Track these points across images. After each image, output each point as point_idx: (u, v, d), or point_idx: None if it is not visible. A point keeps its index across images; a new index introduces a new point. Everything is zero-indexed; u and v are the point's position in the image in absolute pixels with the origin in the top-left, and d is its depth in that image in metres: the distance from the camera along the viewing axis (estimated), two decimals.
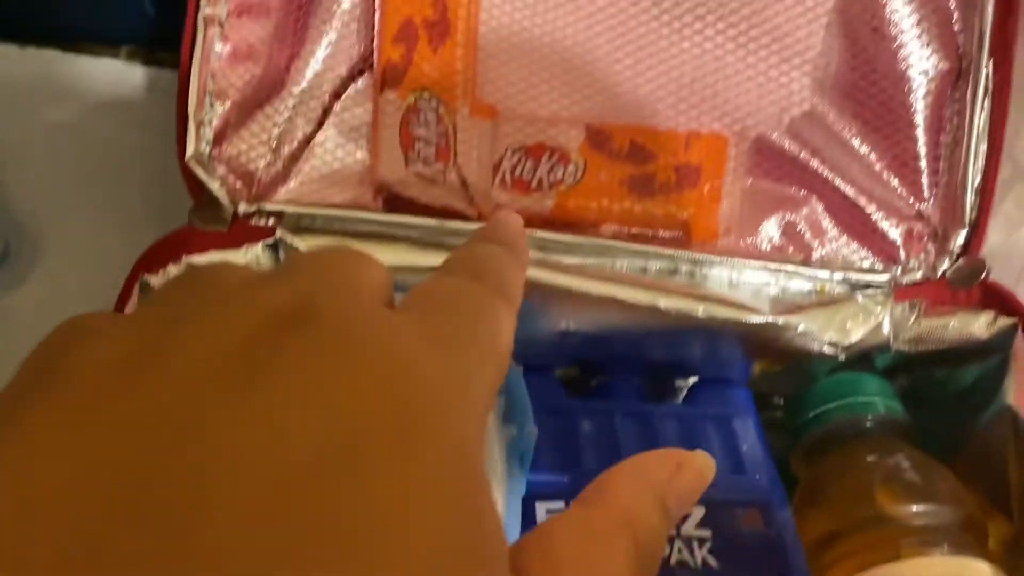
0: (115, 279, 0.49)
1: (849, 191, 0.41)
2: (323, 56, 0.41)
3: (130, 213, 0.53)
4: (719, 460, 0.39)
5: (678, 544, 0.35)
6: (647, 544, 0.20)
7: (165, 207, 0.45)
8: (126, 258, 0.43)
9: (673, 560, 0.34)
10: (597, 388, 0.43)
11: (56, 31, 0.61)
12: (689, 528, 0.36)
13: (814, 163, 0.41)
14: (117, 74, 0.61)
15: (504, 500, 0.32)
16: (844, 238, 0.42)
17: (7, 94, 0.57)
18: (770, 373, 0.43)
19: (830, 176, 0.41)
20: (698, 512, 0.36)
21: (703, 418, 0.41)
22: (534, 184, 0.41)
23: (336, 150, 0.42)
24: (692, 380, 0.44)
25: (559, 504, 0.36)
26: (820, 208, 0.42)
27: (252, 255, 0.40)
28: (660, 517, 0.20)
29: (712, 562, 0.34)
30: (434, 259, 0.40)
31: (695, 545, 0.35)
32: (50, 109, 0.59)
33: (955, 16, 0.40)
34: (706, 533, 0.35)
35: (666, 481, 0.21)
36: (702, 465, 0.22)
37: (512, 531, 0.31)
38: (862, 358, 0.42)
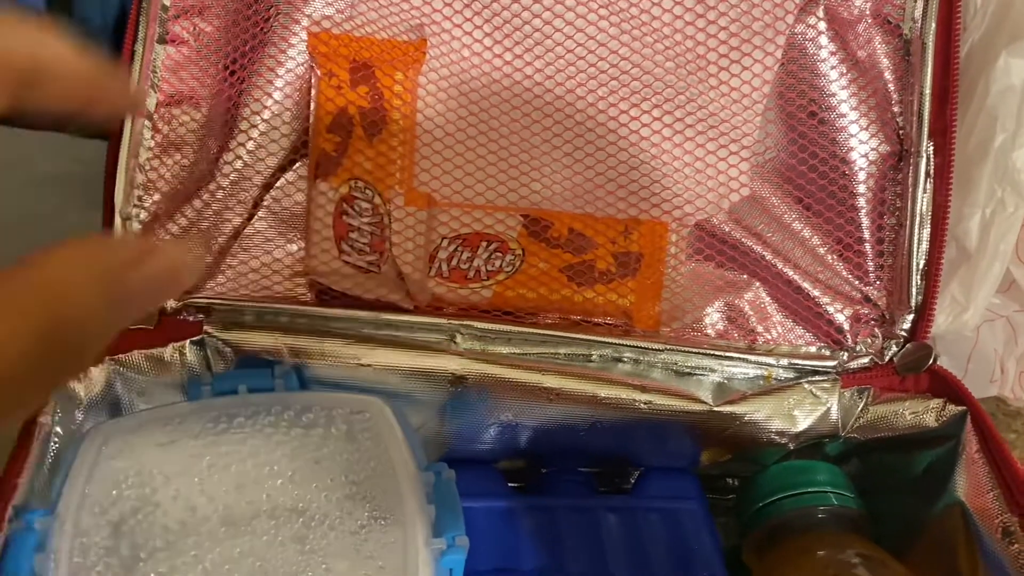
0: None
1: (793, 275, 0.41)
2: (254, 147, 0.40)
3: None
4: (666, 556, 0.38)
5: None
6: (69, 320, 0.19)
7: None
8: None
9: None
10: (543, 479, 0.42)
11: None
12: None
13: (757, 248, 0.41)
14: (62, 149, 0.60)
15: None
16: (789, 323, 0.41)
17: None
18: (719, 462, 0.42)
19: (774, 260, 0.41)
20: None
21: (649, 511, 0.39)
22: (471, 274, 0.40)
23: (267, 242, 0.41)
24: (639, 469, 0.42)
25: None
26: (764, 293, 0.41)
27: (178, 353, 0.38)
28: (98, 298, 0.19)
29: None
30: (369, 353, 0.38)
31: None
32: None
33: (894, 99, 0.40)
34: None
35: (119, 265, 0.20)
36: (175, 258, 0.21)
37: None
38: (812, 445, 0.41)
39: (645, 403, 0.39)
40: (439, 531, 0.32)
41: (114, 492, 0.32)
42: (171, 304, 0.39)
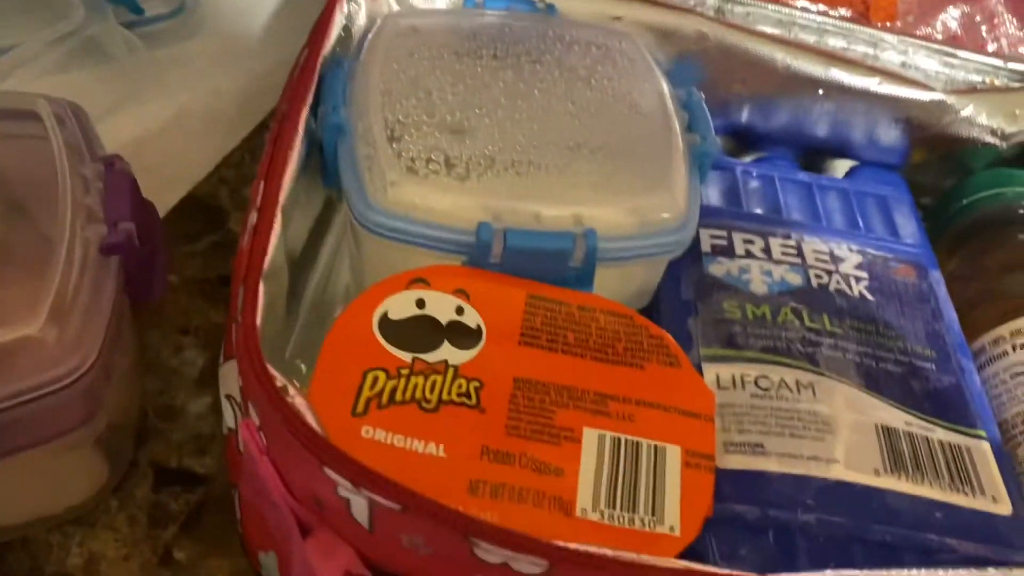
0: (286, 31, 0.51)
1: None
2: None
3: None
4: (876, 226, 0.41)
5: (836, 277, 0.36)
6: None
7: None
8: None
9: (832, 287, 0.36)
10: (754, 163, 0.45)
11: None
12: (847, 268, 0.37)
13: None
14: None
15: (687, 194, 0.33)
16: (1020, 34, 0.42)
17: None
18: (927, 162, 0.44)
19: None
20: (854, 258, 0.38)
21: (861, 193, 0.42)
22: None
23: None
24: (849, 164, 0.45)
25: (722, 232, 0.38)
26: (999, 2, 0.42)
27: None
28: None
29: (868, 296, 0.36)
30: (622, 7, 0.41)
31: (852, 281, 0.36)
32: None
33: None
34: (863, 274, 0.37)
35: None
36: None
37: (693, 213, 0.33)
38: (1022, 154, 0.43)
39: (877, 85, 0.41)
40: (692, 129, 0.36)
41: (411, 55, 0.36)
42: None
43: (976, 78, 0.42)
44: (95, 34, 0.47)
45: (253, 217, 0.29)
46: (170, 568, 0.33)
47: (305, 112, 0.33)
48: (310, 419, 0.24)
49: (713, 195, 0.40)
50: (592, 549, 0.22)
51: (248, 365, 0.25)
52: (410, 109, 0.34)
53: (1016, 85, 0.41)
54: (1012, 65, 0.41)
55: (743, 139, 0.45)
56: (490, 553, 0.22)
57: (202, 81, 0.50)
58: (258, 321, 0.26)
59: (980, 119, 0.41)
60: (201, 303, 0.41)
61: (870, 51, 0.42)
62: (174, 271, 0.42)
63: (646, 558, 0.22)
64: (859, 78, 0.41)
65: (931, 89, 0.41)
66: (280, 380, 0.25)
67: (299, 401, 0.24)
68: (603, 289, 0.33)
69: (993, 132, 0.42)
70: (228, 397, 0.30)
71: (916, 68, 0.42)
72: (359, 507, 0.23)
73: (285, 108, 0.33)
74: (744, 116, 0.43)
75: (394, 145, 0.32)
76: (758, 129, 0.44)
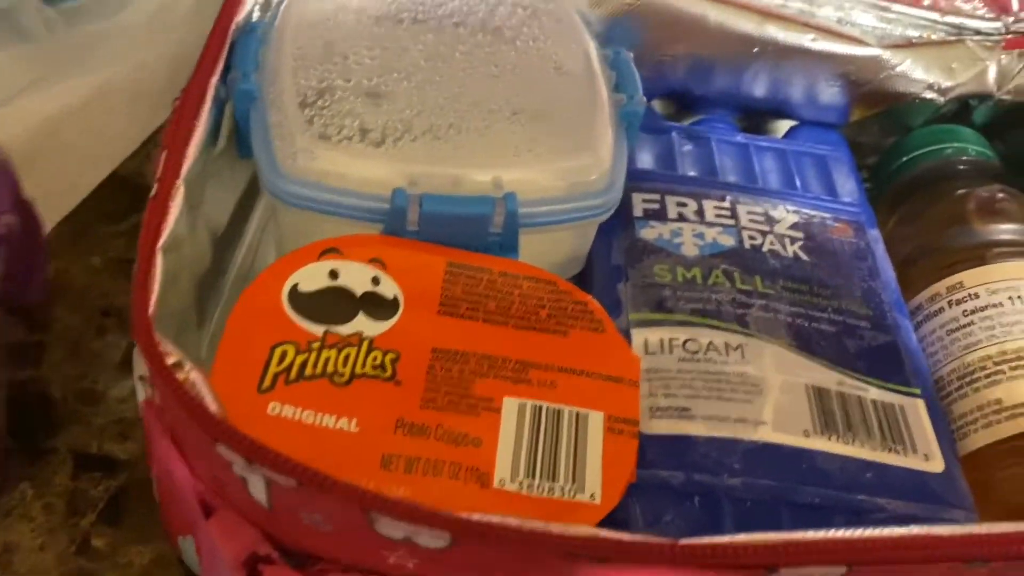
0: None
1: None
2: None
3: None
4: (813, 186, 0.40)
5: (770, 238, 0.36)
6: None
7: None
8: None
9: (765, 248, 0.35)
10: (694, 125, 0.44)
11: None
12: (781, 228, 0.36)
13: None
14: None
15: (613, 155, 0.33)
16: None
17: None
18: (867, 121, 0.43)
19: None
20: (790, 218, 0.37)
21: (800, 153, 0.41)
22: None
23: None
24: (789, 123, 0.44)
25: (655, 196, 0.37)
26: None
27: None
28: None
29: (803, 256, 0.35)
30: None
31: (786, 241, 0.36)
32: None
33: None
34: (798, 234, 0.36)
35: None
36: None
37: (619, 174, 0.32)
38: (960, 111, 0.42)
39: (811, 42, 0.40)
40: (619, 89, 0.35)
41: (327, 20, 0.34)
42: None
43: (913, 33, 0.41)
44: (9, 9, 0.45)
45: (155, 188, 0.28)
46: (87, 556, 0.32)
47: (214, 80, 0.31)
48: (204, 394, 0.23)
49: (647, 159, 0.40)
50: (495, 519, 0.21)
51: (140, 339, 0.24)
52: (325, 74, 0.33)
53: (952, 39, 0.41)
54: (948, 19, 0.41)
55: (681, 102, 0.44)
56: (391, 527, 0.21)
57: (127, 55, 0.49)
58: (153, 294, 0.25)
59: (916, 74, 0.41)
60: (124, 285, 0.40)
61: (806, 7, 0.41)
62: (97, 252, 0.41)
63: (553, 526, 0.21)
64: (793, 34, 0.40)
65: (866, 44, 0.40)
66: (174, 355, 0.24)
67: (194, 376, 0.23)
68: (532, 257, 0.32)
69: (930, 87, 0.41)
70: (141, 378, 0.29)
71: (852, 24, 0.41)
72: (256, 485, 0.22)
73: (192, 76, 0.31)
74: (680, 78, 0.42)
75: (306, 111, 0.31)
76: (695, 91, 0.43)
